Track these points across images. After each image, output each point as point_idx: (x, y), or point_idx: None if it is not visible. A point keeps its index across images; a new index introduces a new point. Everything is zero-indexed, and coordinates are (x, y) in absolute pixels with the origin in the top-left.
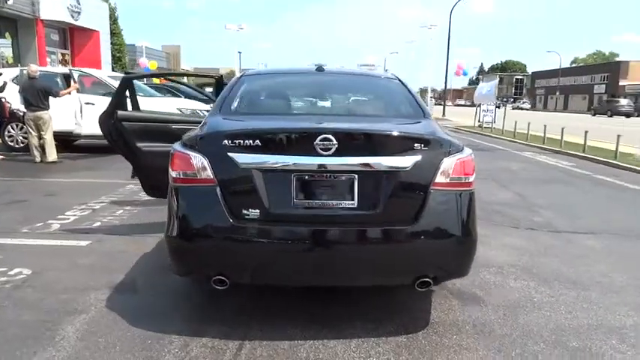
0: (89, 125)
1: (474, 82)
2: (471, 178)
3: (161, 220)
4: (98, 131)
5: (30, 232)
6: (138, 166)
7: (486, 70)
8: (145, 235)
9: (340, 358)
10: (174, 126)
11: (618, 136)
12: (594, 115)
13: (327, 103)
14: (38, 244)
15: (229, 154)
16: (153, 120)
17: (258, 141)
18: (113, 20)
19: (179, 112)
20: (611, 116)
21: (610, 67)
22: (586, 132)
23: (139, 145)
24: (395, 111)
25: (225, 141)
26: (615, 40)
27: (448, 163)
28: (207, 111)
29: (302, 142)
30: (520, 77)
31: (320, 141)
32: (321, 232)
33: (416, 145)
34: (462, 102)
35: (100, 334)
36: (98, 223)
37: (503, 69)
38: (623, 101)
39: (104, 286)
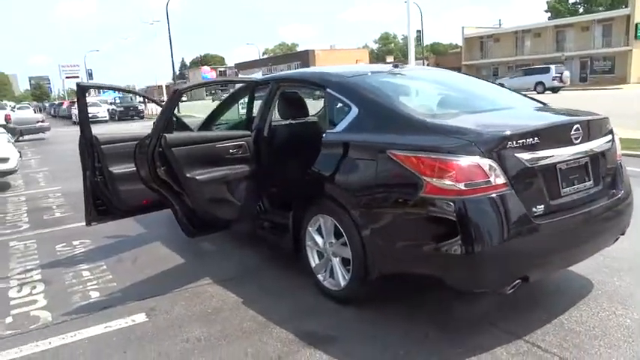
0: None
1: (181, 77)
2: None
3: (173, 267)
4: None
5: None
6: (191, 202)
7: (188, 64)
8: (187, 287)
9: (560, 346)
10: (217, 145)
11: None
12: None
13: (466, 98)
14: (92, 335)
15: (516, 154)
16: (203, 140)
17: (537, 138)
18: None
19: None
20: None
21: (301, 56)
22: None
23: (190, 175)
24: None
25: (510, 142)
26: (282, 31)
27: (617, 140)
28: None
29: (563, 134)
30: (222, 69)
31: (574, 131)
32: (586, 213)
33: (608, 127)
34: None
35: None
36: (96, 298)
37: (204, 62)
38: None
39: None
